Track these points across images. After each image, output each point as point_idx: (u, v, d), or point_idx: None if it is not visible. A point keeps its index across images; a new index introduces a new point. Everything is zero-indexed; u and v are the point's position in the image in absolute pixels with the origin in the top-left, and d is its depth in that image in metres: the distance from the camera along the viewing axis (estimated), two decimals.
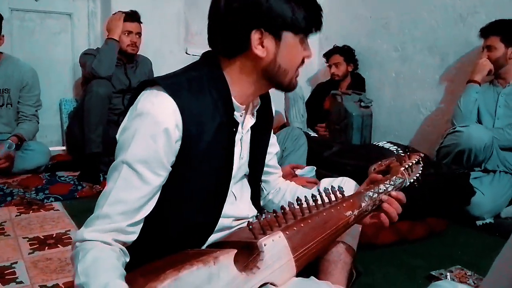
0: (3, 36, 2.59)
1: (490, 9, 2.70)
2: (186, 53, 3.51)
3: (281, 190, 1.28)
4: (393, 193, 1.06)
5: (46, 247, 1.75)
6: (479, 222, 2.17)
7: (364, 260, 1.48)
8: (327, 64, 3.53)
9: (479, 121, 2.45)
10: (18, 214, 2.10)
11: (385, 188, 1.04)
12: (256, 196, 1.20)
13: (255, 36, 0.94)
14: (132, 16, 2.85)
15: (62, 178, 2.61)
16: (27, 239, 1.82)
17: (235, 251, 0.86)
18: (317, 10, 0.98)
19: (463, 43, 2.86)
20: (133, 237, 0.91)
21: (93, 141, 2.62)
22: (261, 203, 1.26)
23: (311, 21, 0.97)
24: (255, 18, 0.93)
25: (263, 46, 0.95)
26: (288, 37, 0.96)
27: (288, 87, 1.03)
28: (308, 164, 2.32)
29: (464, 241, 2.00)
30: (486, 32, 2.49)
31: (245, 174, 1.14)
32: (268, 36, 0.94)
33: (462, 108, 2.43)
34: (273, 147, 1.24)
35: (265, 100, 1.13)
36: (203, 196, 1.00)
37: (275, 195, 1.28)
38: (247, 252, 0.87)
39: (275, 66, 0.97)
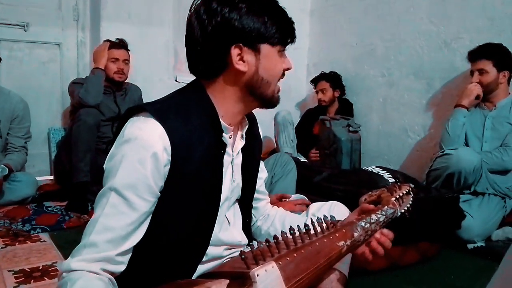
0: None
1: (473, 34, 2.77)
2: (176, 80, 3.54)
3: (270, 216, 1.27)
4: (384, 231, 1.07)
5: (32, 280, 1.71)
6: (470, 246, 2.16)
7: (356, 286, 1.46)
8: (315, 90, 3.57)
9: (467, 144, 2.48)
10: (4, 246, 2.05)
11: (377, 218, 1.04)
12: (247, 222, 1.19)
13: (234, 52, 0.96)
14: (118, 44, 2.88)
15: (50, 209, 2.57)
16: (13, 272, 1.77)
17: (227, 281, 0.85)
18: (289, 22, 1.01)
19: (448, 68, 2.92)
20: (121, 268, 0.89)
21: (81, 170, 2.59)
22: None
23: (284, 32, 1.00)
24: (230, 36, 0.95)
25: (243, 61, 0.97)
26: (265, 48, 0.98)
27: (271, 99, 1.04)
28: (298, 190, 2.31)
29: (457, 265, 1.99)
30: (476, 55, 2.49)
31: (237, 199, 1.14)
32: (247, 50, 0.97)
33: (450, 132, 2.45)
34: (262, 172, 1.24)
35: (252, 122, 1.14)
36: (192, 220, 0.99)
37: (263, 222, 1.27)
38: (239, 283, 0.85)
39: (258, 78, 0.99)
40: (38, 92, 3.24)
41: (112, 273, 0.88)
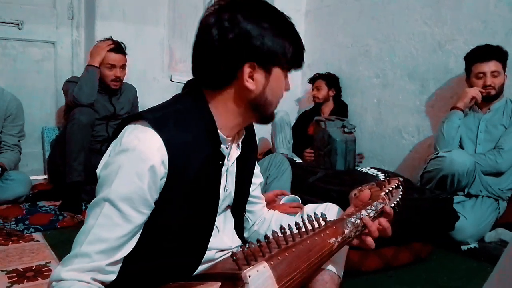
0: None
1: (467, 36, 2.77)
2: (171, 80, 3.53)
3: (266, 220, 1.27)
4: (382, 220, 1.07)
5: (25, 280, 1.70)
6: (463, 247, 2.17)
7: (350, 287, 1.46)
8: (312, 88, 3.59)
9: (461, 146, 2.48)
10: None
11: (367, 214, 1.04)
12: (239, 227, 1.18)
13: (247, 69, 0.94)
14: (117, 48, 2.81)
15: (43, 208, 2.56)
16: (6, 272, 1.76)
17: (219, 283, 0.85)
18: (302, 49, 1.01)
19: (442, 69, 2.93)
20: (112, 277, 0.88)
21: (74, 170, 2.58)
22: (247, 234, 1.25)
23: (297, 59, 1.00)
24: (248, 52, 0.93)
25: (253, 79, 0.95)
26: (276, 71, 0.97)
27: (270, 117, 1.04)
28: (292, 190, 2.31)
29: (450, 266, 2.00)
30: (488, 56, 2.39)
31: (228, 205, 1.13)
32: (259, 69, 0.95)
33: (445, 134, 2.44)
34: (257, 178, 1.23)
35: (249, 130, 1.13)
36: (188, 231, 0.98)
37: (260, 226, 1.26)
38: (231, 284, 0.85)
39: (262, 98, 0.98)
40: (32, 90, 3.23)
41: (102, 283, 0.87)
